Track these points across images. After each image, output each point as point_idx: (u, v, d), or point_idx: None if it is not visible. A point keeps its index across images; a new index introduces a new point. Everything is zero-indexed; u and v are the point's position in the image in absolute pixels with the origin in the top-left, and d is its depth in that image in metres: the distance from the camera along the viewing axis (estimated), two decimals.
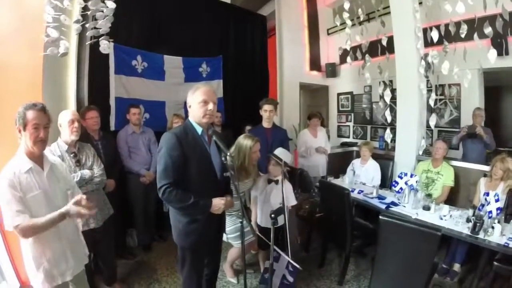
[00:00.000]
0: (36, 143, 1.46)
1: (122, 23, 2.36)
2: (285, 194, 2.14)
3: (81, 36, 2.73)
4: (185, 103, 2.03)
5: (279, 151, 2.40)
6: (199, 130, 1.76)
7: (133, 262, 3.02)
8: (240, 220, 1.79)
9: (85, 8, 2.36)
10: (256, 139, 2.37)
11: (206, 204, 1.71)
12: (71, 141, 2.16)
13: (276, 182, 2.41)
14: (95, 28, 2.35)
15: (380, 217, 1.98)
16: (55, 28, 2.08)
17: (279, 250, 2.05)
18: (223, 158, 1.71)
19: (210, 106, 1.72)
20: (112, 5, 2.30)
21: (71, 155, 2.17)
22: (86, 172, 2.18)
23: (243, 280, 1.90)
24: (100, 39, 2.35)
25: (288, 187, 2.47)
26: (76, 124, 2.15)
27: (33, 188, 1.45)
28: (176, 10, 3.96)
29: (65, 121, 2.13)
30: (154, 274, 2.81)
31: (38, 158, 1.53)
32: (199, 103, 1.71)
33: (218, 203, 1.73)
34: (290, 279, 2.10)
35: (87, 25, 2.33)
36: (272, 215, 1.76)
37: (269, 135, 3.03)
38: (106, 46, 2.40)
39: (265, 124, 3.10)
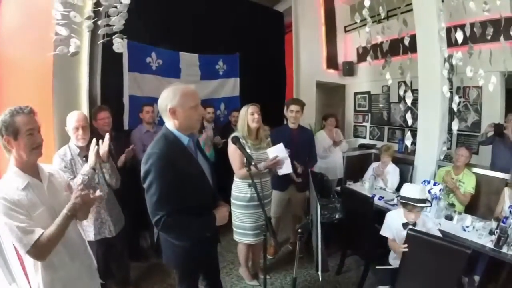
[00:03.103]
0: (33, 151, 1.28)
1: (136, 18, 2.24)
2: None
3: (94, 32, 2.59)
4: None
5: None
6: (185, 140, 1.47)
7: (146, 265, 2.97)
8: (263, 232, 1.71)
9: (97, 4, 2.22)
10: (252, 104, 2.46)
11: (211, 220, 1.51)
12: (80, 145, 2.05)
13: (414, 224, 2.17)
14: (108, 25, 2.24)
15: (408, 232, 1.94)
16: (64, 26, 1.97)
17: None
18: (246, 168, 1.67)
19: (201, 109, 1.54)
20: (126, 0, 2.17)
21: (83, 159, 2.02)
22: (84, 168, 1.91)
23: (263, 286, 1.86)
24: (113, 37, 2.24)
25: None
26: (80, 132, 2.01)
27: (36, 206, 1.27)
28: (191, 6, 3.83)
29: (70, 128, 2.02)
30: (167, 278, 2.76)
31: (33, 171, 1.34)
32: (191, 108, 1.44)
33: (222, 214, 1.56)
34: None
35: (99, 22, 2.22)
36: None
37: (295, 136, 2.94)
38: (120, 45, 2.28)
39: (291, 124, 3.02)
